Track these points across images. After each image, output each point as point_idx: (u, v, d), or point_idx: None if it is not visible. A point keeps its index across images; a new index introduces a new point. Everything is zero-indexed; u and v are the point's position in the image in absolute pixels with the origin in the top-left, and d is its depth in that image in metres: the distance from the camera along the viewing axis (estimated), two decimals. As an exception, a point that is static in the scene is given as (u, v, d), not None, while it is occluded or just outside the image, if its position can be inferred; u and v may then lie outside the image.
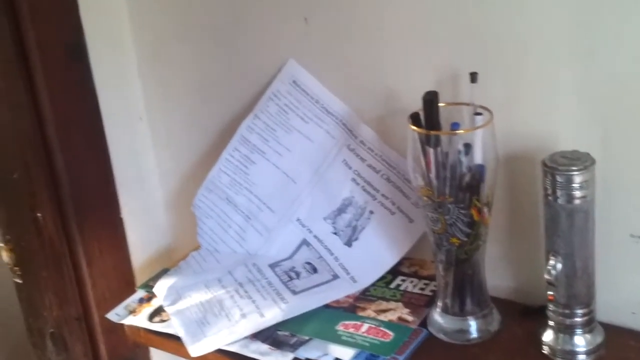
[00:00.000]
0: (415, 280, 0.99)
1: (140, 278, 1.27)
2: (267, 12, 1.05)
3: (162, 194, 1.31)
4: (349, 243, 1.03)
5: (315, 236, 1.05)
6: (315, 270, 1.03)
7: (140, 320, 0.98)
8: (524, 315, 0.89)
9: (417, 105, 0.83)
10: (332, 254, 1.03)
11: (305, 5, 1.00)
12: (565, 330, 0.81)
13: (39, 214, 1.16)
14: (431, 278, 0.98)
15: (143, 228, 1.29)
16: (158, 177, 1.30)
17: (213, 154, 1.13)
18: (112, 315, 1.00)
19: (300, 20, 1.01)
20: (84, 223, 1.17)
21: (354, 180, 1.03)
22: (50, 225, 1.16)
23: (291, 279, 1.01)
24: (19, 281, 1.27)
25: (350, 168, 1.03)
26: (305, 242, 1.06)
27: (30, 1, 1.05)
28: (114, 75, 1.20)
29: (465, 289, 0.86)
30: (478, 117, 0.82)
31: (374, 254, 1.01)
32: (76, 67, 1.12)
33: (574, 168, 0.75)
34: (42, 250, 1.19)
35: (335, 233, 1.04)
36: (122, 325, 1.00)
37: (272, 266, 1.05)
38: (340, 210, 1.04)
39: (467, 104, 0.84)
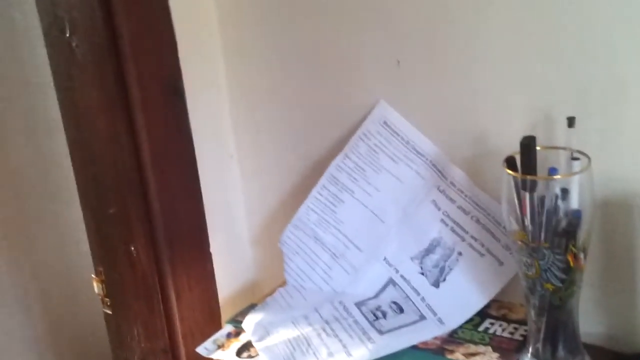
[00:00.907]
0: (505, 324, 0.97)
1: (225, 312, 1.28)
2: (359, 54, 1.06)
3: (249, 229, 1.33)
4: (436, 284, 1.02)
5: (401, 276, 1.05)
6: (401, 310, 1.03)
7: (228, 355, 0.99)
8: (618, 363, 0.88)
9: (509, 147, 0.83)
10: (418, 294, 1.03)
11: (398, 47, 1.02)
12: (664, 380, 0.79)
13: (132, 247, 1.18)
14: (521, 322, 0.96)
15: (229, 263, 1.31)
16: (245, 213, 1.32)
17: (300, 192, 1.15)
18: (201, 350, 1.02)
19: (392, 62, 1.02)
20: (175, 257, 1.18)
21: (442, 221, 1.03)
22: (144, 258, 1.18)
23: (377, 318, 1.01)
24: (109, 312, 1.30)
25: (439, 209, 1.03)
26: (391, 282, 1.06)
27: (132, 38, 1.08)
28: (207, 113, 1.23)
29: (558, 334, 0.85)
30: (575, 162, 0.81)
31: (462, 296, 1.00)
32: (174, 104, 1.14)
33: (675, 215, 0.74)
34: (134, 282, 1.21)
35: (422, 273, 1.03)
36: (210, 359, 1.01)
37: (358, 305, 1.05)
38: (428, 251, 1.03)
39: (564, 149, 0.83)
